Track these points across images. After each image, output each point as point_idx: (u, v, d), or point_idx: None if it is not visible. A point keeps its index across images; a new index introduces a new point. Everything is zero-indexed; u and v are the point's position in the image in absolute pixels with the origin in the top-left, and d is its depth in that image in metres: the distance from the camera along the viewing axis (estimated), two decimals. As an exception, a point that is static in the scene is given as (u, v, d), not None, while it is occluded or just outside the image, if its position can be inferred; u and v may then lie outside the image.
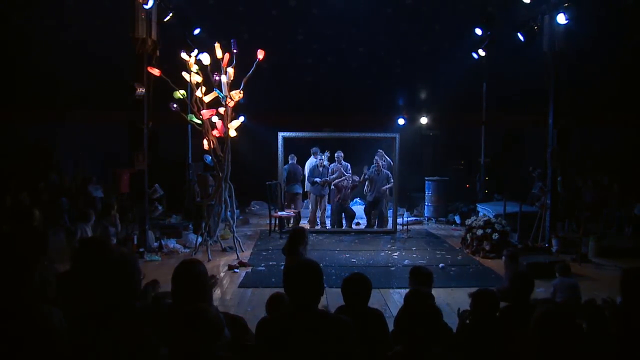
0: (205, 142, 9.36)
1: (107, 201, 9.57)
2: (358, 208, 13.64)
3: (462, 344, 3.54)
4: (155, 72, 8.99)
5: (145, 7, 9.21)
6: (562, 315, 2.90)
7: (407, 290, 4.68)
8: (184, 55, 8.97)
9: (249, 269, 8.57)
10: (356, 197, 14.70)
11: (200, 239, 9.67)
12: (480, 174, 14.30)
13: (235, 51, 9.02)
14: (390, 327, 3.71)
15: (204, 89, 9.18)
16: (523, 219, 10.17)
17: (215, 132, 9.32)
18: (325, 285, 3.16)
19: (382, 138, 12.88)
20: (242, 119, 9.57)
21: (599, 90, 11.66)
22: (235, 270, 8.45)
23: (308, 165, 12.56)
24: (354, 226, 12.52)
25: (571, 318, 2.94)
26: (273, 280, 7.73)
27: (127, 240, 9.39)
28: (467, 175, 15.15)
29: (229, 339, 3.08)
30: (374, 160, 11.98)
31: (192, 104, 9.16)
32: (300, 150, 13.00)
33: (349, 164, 12.19)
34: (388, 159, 11.79)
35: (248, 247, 10.19)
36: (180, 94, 8.94)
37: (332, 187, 12.06)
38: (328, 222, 12.46)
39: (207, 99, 9.20)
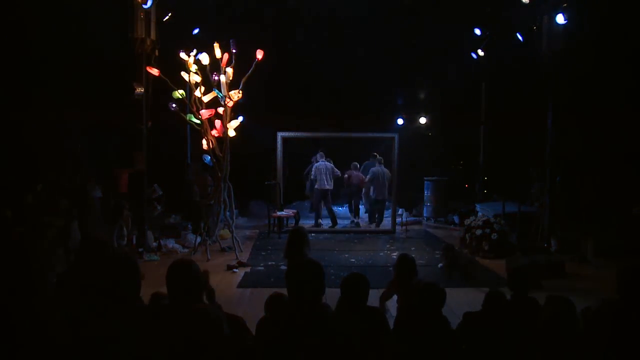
0: (204, 142, 9.37)
1: (121, 202, 9.54)
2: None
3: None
4: (154, 72, 8.99)
5: (145, 7, 9.21)
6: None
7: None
8: (183, 55, 8.97)
9: (248, 269, 8.56)
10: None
11: (199, 239, 9.68)
12: (479, 173, 14.31)
13: (234, 51, 9.03)
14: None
15: (202, 88, 9.18)
16: (522, 219, 10.18)
17: (214, 132, 9.33)
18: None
19: (381, 138, 12.92)
20: (240, 119, 9.57)
21: (598, 89, 11.65)
22: (234, 270, 8.45)
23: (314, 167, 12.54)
24: (354, 226, 12.55)
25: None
26: (272, 280, 7.74)
27: (127, 240, 9.39)
28: (466, 175, 15.16)
29: (228, 335, 3.08)
30: (379, 160, 12.51)
31: (191, 104, 9.16)
32: (299, 150, 13.06)
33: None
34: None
35: (247, 247, 10.19)
36: (179, 93, 8.95)
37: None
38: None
39: (206, 99, 9.21)
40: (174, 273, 3.12)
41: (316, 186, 12.20)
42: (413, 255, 4.96)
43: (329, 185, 12.17)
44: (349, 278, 3.53)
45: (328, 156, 12.50)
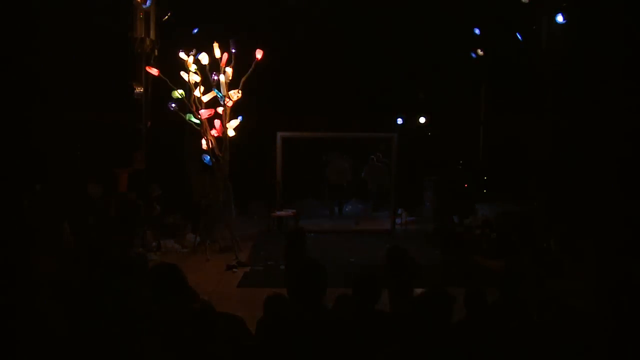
0: (203, 142, 9.36)
1: (137, 202, 9.54)
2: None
3: None
4: (154, 71, 8.99)
5: (144, 6, 9.21)
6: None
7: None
8: (182, 54, 8.96)
9: (248, 269, 8.56)
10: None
11: (198, 239, 9.68)
12: (478, 173, 14.30)
13: (233, 51, 9.02)
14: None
15: (202, 88, 9.17)
16: (521, 218, 10.17)
17: (213, 132, 9.32)
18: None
19: (381, 138, 12.94)
20: (239, 118, 9.55)
21: (597, 89, 11.65)
22: (234, 270, 8.45)
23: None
24: (353, 226, 12.59)
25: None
26: (272, 280, 7.72)
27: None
28: (466, 175, 15.14)
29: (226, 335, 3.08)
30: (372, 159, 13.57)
31: (190, 104, 9.16)
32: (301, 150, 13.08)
33: None
34: None
35: (246, 246, 10.17)
36: (178, 93, 8.94)
37: None
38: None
39: (205, 98, 9.20)
40: (156, 278, 3.11)
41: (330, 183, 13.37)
42: (413, 256, 4.91)
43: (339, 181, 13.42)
44: (365, 277, 3.46)
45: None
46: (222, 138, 9.37)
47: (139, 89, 9.56)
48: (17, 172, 11.21)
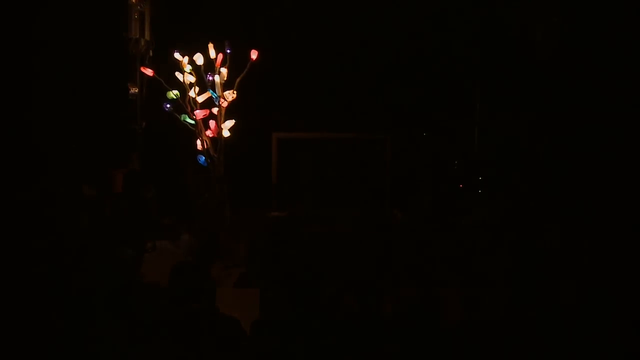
0: (198, 142, 9.35)
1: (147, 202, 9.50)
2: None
3: None
4: (149, 72, 8.99)
5: (139, 8, 9.22)
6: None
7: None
8: (177, 55, 8.95)
9: (244, 269, 8.55)
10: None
11: (194, 239, 9.65)
12: (474, 173, 14.30)
13: (228, 51, 9.03)
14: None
15: (197, 89, 9.16)
16: (517, 218, 10.18)
17: (208, 133, 9.31)
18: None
19: (375, 138, 12.92)
20: (233, 121, 9.50)
21: (595, 88, 11.69)
22: (230, 269, 8.43)
23: None
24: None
25: None
26: (268, 280, 7.70)
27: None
28: (461, 175, 15.14)
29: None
30: None
31: (185, 105, 9.14)
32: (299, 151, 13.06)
33: None
34: None
35: (243, 247, 10.14)
36: (173, 94, 8.93)
37: None
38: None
39: (200, 99, 9.19)
40: (177, 275, 3.11)
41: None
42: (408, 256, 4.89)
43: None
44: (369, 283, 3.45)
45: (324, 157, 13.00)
46: (217, 139, 9.36)
47: (134, 90, 9.54)
48: (15, 172, 11.18)
